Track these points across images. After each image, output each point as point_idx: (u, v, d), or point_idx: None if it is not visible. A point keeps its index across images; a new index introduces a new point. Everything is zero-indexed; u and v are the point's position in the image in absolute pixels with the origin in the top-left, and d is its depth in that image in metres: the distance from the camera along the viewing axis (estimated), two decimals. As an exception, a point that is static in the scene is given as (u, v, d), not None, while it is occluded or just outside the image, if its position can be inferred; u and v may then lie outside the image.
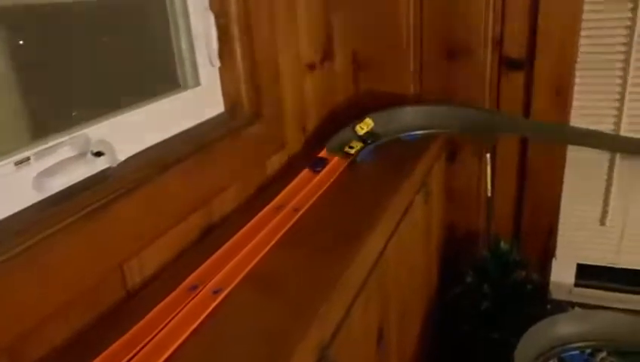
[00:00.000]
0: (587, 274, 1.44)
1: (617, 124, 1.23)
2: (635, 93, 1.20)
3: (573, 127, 1.26)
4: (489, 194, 1.37)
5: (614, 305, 1.38)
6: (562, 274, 1.42)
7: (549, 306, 1.36)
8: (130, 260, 0.68)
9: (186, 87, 0.87)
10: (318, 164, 1.04)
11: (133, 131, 0.74)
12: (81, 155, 0.65)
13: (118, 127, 0.71)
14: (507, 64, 1.26)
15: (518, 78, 1.26)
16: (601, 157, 1.28)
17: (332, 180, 0.98)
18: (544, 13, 1.18)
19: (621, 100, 1.21)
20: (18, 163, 0.59)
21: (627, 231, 1.32)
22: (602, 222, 1.34)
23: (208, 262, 0.73)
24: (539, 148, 1.29)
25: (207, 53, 0.88)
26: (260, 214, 0.86)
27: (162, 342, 0.58)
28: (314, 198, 0.91)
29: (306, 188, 0.94)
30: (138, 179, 0.67)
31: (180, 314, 0.63)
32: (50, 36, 0.66)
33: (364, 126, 1.14)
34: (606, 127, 1.25)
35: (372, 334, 0.84)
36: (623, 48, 1.18)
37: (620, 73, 1.20)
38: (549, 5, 1.17)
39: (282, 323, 0.60)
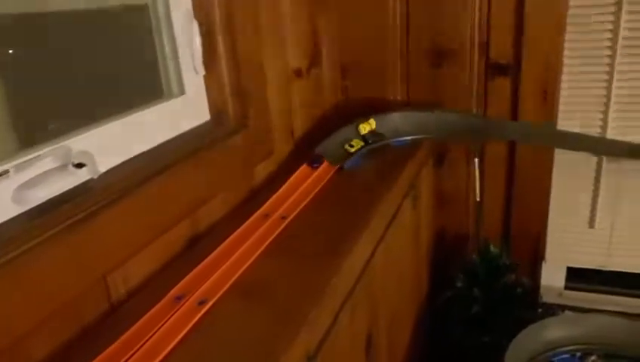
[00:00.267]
0: (577, 277, 1.45)
1: (604, 127, 1.24)
2: (620, 96, 1.21)
3: (560, 131, 1.26)
4: (478, 199, 1.37)
5: (604, 308, 1.38)
6: (552, 277, 1.43)
7: (539, 309, 1.36)
8: (114, 272, 0.67)
9: (170, 96, 0.87)
10: (316, 161, 1.06)
11: (115, 141, 0.73)
12: (62, 167, 0.64)
13: (100, 137, 0.71)
14: (494, 69, 1.27)
15: (505, 82, 1.27)
16: (589, 160, 1.29)
17: (320, 187, 0.98)
18: (529, 18, 1.19)
19: (607, 104, 1.22)
20: (-3, 176, 0.58)
21: (616, 234, 1.33)
22: (591, 225, 1.35)
23: (194, 272, 0.72)
24: (527, 152, 1.30)
25: (192, 61, 0.87)
26: (247, 223, 0.85)
27: (147, 354, 0.58)
28: (302, 205, 0.91)
29: (294, 196, 0.94)
30: (120, 190, 0.67)
31: (165, 326, 0.62)
32: (31, 46, 0.65)
33: (367, 126, 1.15)
34: (593, 130, 1.26)
35: (360, 341, 0.84)
36: (608, 52, 1.19)
37: (605, 77, 1.21)
38: (535, 10, 1.18)
39: (268, 332, 0.60)
